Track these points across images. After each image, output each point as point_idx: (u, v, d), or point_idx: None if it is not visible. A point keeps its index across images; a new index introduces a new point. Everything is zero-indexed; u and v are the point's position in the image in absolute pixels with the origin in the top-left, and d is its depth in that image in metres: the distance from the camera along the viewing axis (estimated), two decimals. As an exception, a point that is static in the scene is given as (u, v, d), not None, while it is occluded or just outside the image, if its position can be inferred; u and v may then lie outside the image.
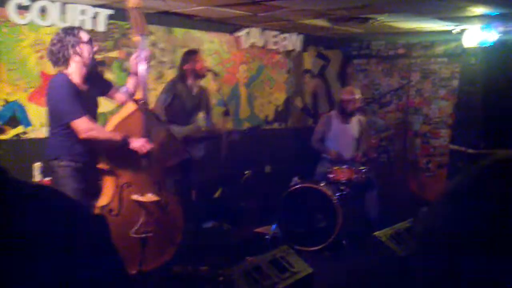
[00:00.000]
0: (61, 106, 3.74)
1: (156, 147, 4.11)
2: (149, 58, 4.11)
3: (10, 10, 4.82)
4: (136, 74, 4.11)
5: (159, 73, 6.07)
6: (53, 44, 3.79)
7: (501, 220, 0.72)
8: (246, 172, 6.27)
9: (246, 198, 6.32)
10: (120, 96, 4.25)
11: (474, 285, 0.72)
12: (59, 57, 3.76)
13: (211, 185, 5.72)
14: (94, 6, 5.31)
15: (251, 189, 6.36)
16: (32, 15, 4.95)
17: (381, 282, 4.46)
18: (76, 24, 5.21)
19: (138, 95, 4.05)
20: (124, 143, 3.87)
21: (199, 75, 5.32)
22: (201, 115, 5.57)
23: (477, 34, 6.26)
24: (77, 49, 3.76)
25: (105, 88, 4.19)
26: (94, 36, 5.38)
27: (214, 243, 5.28)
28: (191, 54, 5.32)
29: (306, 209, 5.61)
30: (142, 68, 4.02)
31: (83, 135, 3.75)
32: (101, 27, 5.42)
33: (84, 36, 3.83)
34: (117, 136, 3.88)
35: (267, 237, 5.59)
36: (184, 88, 5.26)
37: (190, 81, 5.30)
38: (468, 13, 5.40)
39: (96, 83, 4.05)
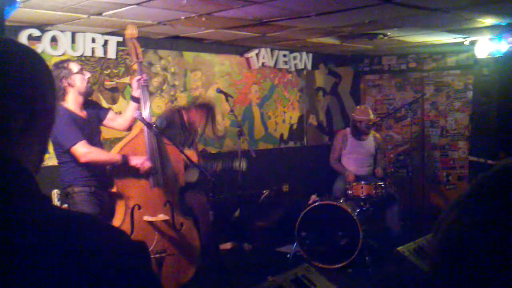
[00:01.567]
0: (59, 134, 3.84)
1: (166, 167, 4.19)
2: (147, 81, 4.30)
3: (22, 41, 4.87)
4: (137, 98, 4.24)
5: (172, 96, 6.09)
6: None
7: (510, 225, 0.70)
8: (264, 192, 6.22)
9: (265, 217, 6.26)
10: (120, 121, 4.34)
11: None
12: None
13: (229, 206, 5.68)
14: (103, 34, 5.36)
15: (269, 208, 6.30)
16: (44, 45, 5.02)
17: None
18: (88, 52, 5.28)
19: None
20: (124, 162, 3.96)
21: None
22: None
23: (488, 45, 6.21)
24: (70, 80, 3.90)
25: (103, 114, 4.28)
26: (105, 63, 5.46)
27: (235, 264, 5.21)
28: (185, 110, 5.35)
29: (327, 226, 5.53)
30: (142, 91, 4.20)
31: (82, 159, 3.83)
32: (111, 54, 5.47)
33: (74, 67, 3.96)
34: (116, 157, 3.98)
35: (288, 256, 5.51)
36: (178, 121, 5.30)
37: (186, 118, 5.35)
38: (477, 24, 5.36)
39: (94, 110, 4.18)
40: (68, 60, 4.10)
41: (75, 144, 3.80)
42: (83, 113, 4.01)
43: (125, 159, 3.95)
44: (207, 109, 5.28)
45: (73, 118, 3.88)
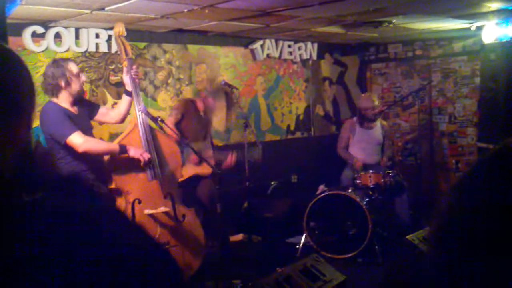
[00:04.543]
0: (53, 129, 3.91)
1: (162, 160, 4.22)
2: (137, 75, 4.36)
3: (26, 38, 4.88)
4: (130, 92, 4.29)
5: (177, 90, 6.08)
6: (44, 76, 4.04)
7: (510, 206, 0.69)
8: (272, 183, 6.22)
9: (273, 208, 6.26)
10: (113, 115, 4.41)
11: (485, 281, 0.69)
12: (49, 88, 4.00)
13: (238, 198, 5.68)
14: (107, 29, 5.35)
15: (278, 200, 6.30)
16: (48, 42, 5.02)
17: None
18: (92, 47, 5.28)
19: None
20: (123, 151, 3.99)
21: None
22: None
23: (494, 30, 6.15)
24: (65, 80, 3.97)
25: (93, 110, 4.34)
26: (110, 58, 5.46)
27: (244, 256, 5.22)
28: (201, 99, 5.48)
29: (336, 216, 5.52)
30: (133, 84, 4.27)
31: (80, 149, 3.85)
32: (115, 49, 5.46)
33: (73, 68, 4.02)
34: (115, 146, 4.03)
35: (297, 246, 5.51)
36: (193, 109, 5.33)
37: (200, 106, 5.41)
38: (484, 9, 5.30)
39: (84, 106, 4.24)
40: (68, 60, 4.18)
41: (70, 134, 3.84)
42: (73, 109, 4.07)
43: (123, 149, 3.99)
44: (225, 95, 5.31)
45: (65, 113, 3.95)
